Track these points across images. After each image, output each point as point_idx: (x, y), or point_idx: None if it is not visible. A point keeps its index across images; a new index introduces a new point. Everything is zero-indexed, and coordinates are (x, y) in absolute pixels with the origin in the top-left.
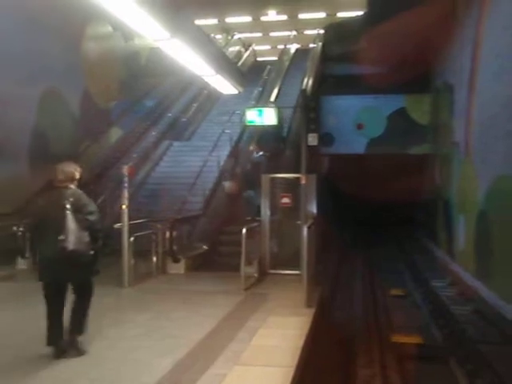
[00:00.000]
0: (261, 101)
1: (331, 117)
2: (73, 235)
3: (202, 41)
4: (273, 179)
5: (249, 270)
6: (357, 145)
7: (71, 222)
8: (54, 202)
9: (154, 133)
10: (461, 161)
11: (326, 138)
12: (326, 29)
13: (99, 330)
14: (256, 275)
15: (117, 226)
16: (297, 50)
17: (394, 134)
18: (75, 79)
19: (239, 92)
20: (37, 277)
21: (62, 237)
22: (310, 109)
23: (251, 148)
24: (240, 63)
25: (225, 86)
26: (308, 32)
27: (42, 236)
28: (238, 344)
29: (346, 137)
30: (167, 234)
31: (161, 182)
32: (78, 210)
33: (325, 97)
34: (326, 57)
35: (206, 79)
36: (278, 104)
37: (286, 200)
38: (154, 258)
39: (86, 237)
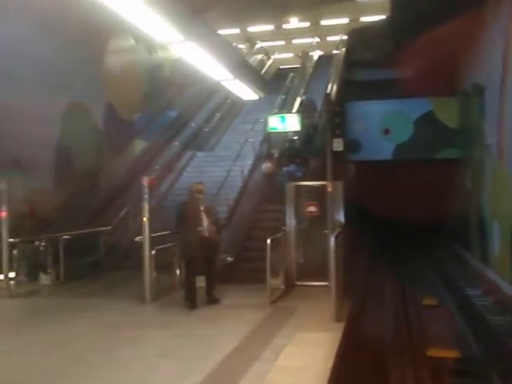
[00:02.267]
0: (284, 108)
1: (357, 123)
2: (206, 227)
3: (218, 44)
4: (298, 187)
5: (275, 282)
6: (384, 151)
7: (205, 219)
8: (194, 206)
9: (176, 143)
10: (493, 164)
11: (353, 144)
12: (350, 34)
13: (112, 349)
14: (282, 287)
15: (137, 239)
16: (320, 56)
17: (421, 138)
18: (98, 92)
19: (260, 98)
20: (180, 255)
21: (200, 228)
22: (334, 113)
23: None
24: (263, 71)
25: (245, 92)
26: (331, 38)
27: (186, 228)
28: (262, 364)
29: (373, 143)
30: None
31: (184, 193)
32: (207, 211)
33: (350, 103)
34: (350, 62)
35: (225, 84)
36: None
37: (312, 208)
38: (178, 271)
39: (213, 228)
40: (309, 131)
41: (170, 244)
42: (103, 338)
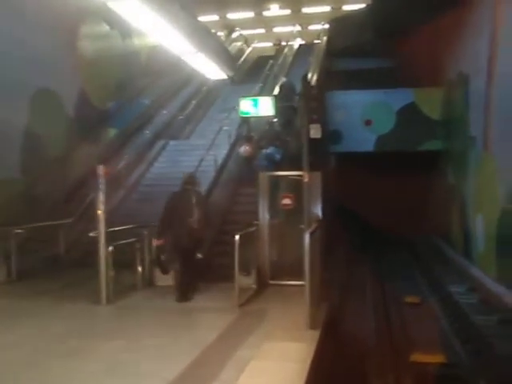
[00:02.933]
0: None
1: (338, 113)
2: (196, 219)
3: (177, 13)
4: (272, 178)
5: (246, 282)
6: (365, 142)
7: (196, 211)
8: (186, 198)
9: (147, 131)
10: (478, 156)
11: (334, 135)
12: (331, 23)
13: (48, 363)
14: (254, 287)
15: (92, 233)
16: (300, 45)
17: (403, 130)
18: (70, 79)
19: (229, 77)
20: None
21: (191, 219)
22: (311, 97)
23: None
24: (242, 59)
25: (211, 69)
26: (312, 27)
27: (177, 219)
28: None
29: (354, 134)
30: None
31: (155, 183)
32: (198, 203)
33: (331, 92)
34: (331, 51)
35: (188, 60)
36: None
37: (286, 201)
38: (139, 269)
39: (201, 221)
40: (289, 114)
41: (131, 239)
42: (43, 349)
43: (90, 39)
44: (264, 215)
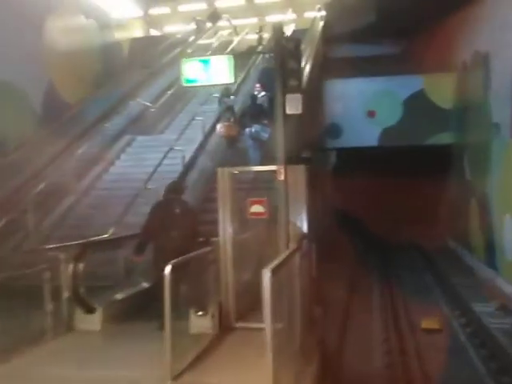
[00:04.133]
0: (246, 80)
1: (338, 104)
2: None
3: None
4: (236, 175)
5: (201, 324)
6: (368, 136)
7: (180, 224)
8: (168, 208)
9: (106, 125)
10: (505, 146)
11: (333, 129)
12: (328, 6)
13: None
14: (212, 332)
15: None
16: (294, 31)
17: (411, 121)
18: (36, 71)
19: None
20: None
21: (174, 233)
22: (287, 54)
23: (256, 85)
24: (229, 49)
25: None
26: (308, 14)
27: (158, 235)
28: None
29: (356, 127)
30: (71, 269)
31: (113, 186)
32: (184, 214)
33: (329, 81)
34: (328, 36)
35: None
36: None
37: (257, 208)
38: (50, 308)
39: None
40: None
41: (38, 267)
42: None
43: (61, 30)
44: (226, 229)
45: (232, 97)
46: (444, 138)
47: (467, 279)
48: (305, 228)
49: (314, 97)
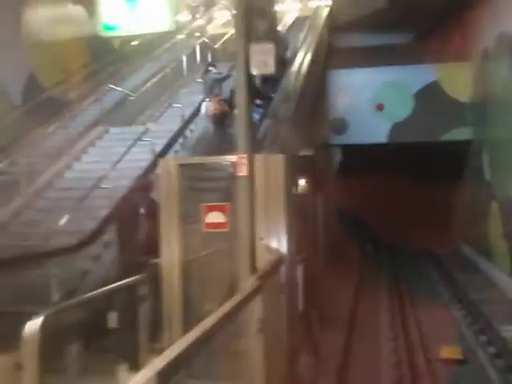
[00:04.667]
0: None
1: (343, 96)
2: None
3: None
4: (186, 167)
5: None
6: (377, 132)
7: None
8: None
9: (74, 114)
10: None
11: (338, 124)
12: None
13: None
14: None
15: None
16: (298, 18)
17: (424, 116)
18: (16, 61)
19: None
20: None
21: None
22: None
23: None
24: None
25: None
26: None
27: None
28: None
29: (363, 122)
30: None
31: (75, 186)
32: (151, 215)
33: (334, 71)
34: (334, 26)
35: None
36: None
37: (216, 217)
38: None
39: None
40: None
41: None
42: None
43: (44, 17)
44: (171, 247)
45: (214, 69)
46: (460, 134)
47: (490, 294)
48: (284, 247)
49: (315, 88)
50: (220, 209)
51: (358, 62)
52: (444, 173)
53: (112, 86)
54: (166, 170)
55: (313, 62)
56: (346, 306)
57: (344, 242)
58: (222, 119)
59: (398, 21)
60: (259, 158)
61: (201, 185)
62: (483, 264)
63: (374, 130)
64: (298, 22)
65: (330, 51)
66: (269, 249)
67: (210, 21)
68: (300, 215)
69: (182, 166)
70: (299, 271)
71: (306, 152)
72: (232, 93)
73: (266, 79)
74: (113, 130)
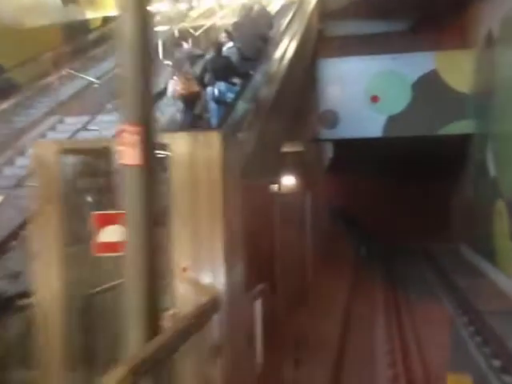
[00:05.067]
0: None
1: (334, 87)
2: None
3: None
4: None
5: None
6: (371, 125)
7: None
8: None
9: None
10: None
11: (329, 117)
12: None
13: None
14: None
15: None
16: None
17: (421, 108)
18: None
19: None
20: None
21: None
22: None
23: (221, 34)
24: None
25: None
26: None
27: None
28: None
29: (356, 115)
30: None
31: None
32: None
33: (325, 60)
34: (325, 13)
35: None
36: None
37: (110, 234)
38: None
39: None
40: (255, 41)
41: None
42: None
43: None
44: (48, 277)
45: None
46: (460, 128)
47: (498, 304)
48: (221, 282)
49: (303, 76)
50: (115, 220)
51: (350, 51)
52: (443, 169)
53: (73, 71)
54: (41, 160)
55: (300, 48)
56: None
57: (335, 245)
58: (191, 101)
59: (394, 7)
60: (173, 138)
61: (94, 183)
62: (487, 268)
63: (368, 124)
64: (285, 8)
65: (321, 39)
66: (197, 285)
67: (191, 9)
68: (284, 218)
69: (66, 152)
70: (256, 310)
71: (293, 148)
72: (204, 70)
73: (245, 58)
74: (68, 119)
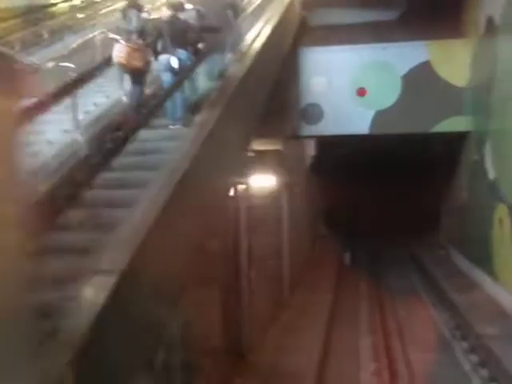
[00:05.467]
0: None
1: (318, 79)
2: None
3: None
4: None
5: None
6: (357, 121)
7: None
8: None
9: None
10: None
11: (311, 112)
12: None
13: None
14: None
15: None
16: None
17: (413, 102)
18: None
19: None
20: None
21: None
22: None
23: None
24: None
25: None
26: None
27: None
28: None
29: (341, 109)
30: None
31: None
32: None
33: (307, 48)
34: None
35: None
36: None
37: None
38: None
39: None
40: (222, 8)
41: None
42: None
43: None
44: None
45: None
46: (455, 125)
47: (503, 326)
48: None
49: (281, 66)
50: None
51: (336, 40)
52: (434, 169)
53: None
54: None
55: (279, 32)
56: None
57: (317, 253)
58: (139, 75)
59: None
60: None
61: None
62: (480, 277)
63: (354, 120)
64: None
65: (304, 27)
66: None
67: None
68: (254, 223)
69: None
70: None
71: (269, 145)
72: (158, 34)
73: (206, 26)
74: None
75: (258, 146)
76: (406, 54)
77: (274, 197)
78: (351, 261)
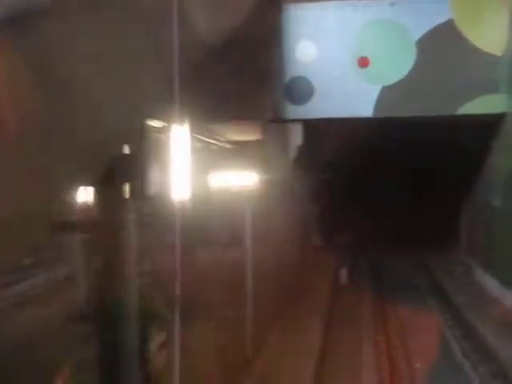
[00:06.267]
0: None
1: (307, 44)
2: None
3: None
4: None
5: None
6: (358, 100)
7: None
8: None
9: None
10: None
11: (298, 88)
12: None
13: None
14: None
15: None
16: None
17: (430, 77)
18: None
19: None
20: None
21: None
22: None
23: None
24: None
25: None
26: None
27: None
28: None
29: (337, 84)
30: None
31: None
32: None
33: (294, 5)
34: None
35: None
36: None
37: None
38: None
39: None
40: None
41: None
42: None
43: None
44: None
45: None
46: (488, 105)
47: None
48: None
49: (257, 27)
50: None
51: None
52: (455, 166)
53: None
54: None
55: None
56: None
57: (303, 271)
58: None
59: None
60: None
61: None
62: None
63: (354, 98)
64: None
65: None
66: None
67: None
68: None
69: None
70: None
71: (248, 136)
72: None
73: None
74: None
75: (230, 134)
76: (421, 12)
77: (238, 200)
78: (349, 279)
